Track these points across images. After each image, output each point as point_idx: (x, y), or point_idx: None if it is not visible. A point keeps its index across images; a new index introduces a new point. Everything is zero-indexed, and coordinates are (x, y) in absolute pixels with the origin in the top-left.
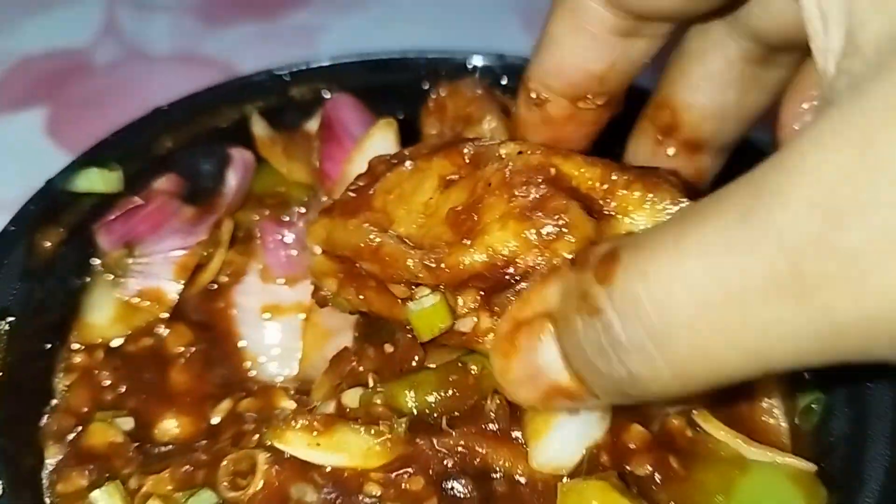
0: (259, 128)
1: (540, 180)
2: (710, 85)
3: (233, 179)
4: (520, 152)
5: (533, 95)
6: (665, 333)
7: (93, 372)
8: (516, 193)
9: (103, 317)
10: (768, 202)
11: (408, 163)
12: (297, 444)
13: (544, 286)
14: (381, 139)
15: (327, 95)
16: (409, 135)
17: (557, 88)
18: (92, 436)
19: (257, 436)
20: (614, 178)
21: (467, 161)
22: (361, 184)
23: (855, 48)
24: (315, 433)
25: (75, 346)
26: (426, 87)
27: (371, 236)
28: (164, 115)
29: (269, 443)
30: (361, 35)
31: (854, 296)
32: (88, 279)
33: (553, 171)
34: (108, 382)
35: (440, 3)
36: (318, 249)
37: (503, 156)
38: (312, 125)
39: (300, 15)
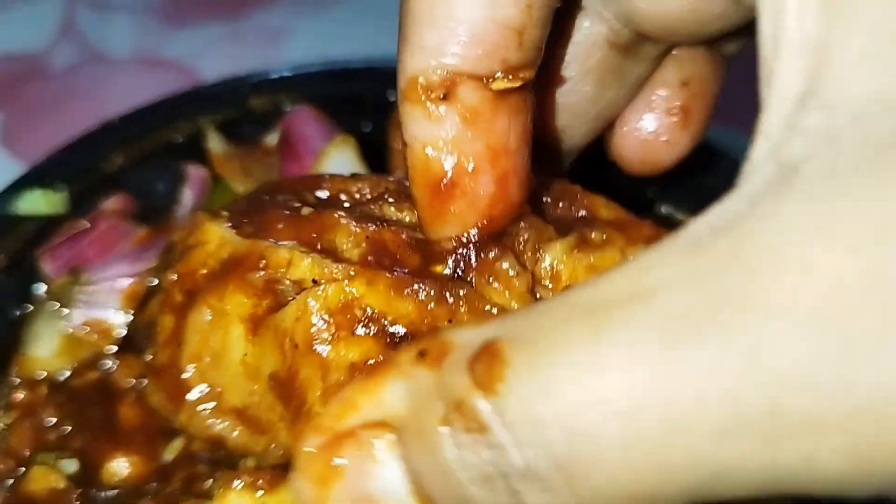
0: (215, 143)
1: (351, 330)
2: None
3: (188, 198)
4: (314, 281)
5: (432, 92)
6: (579, 464)
7: (35, 409)
8: (328, 358)
9: (47, 349)
10: (739, 308)
11: (205, 313)
12: None
13: (377, 385)
14: (340, 157)
15: (288, 108)
16: (376, 148)
17: (463, 64)
18: (33, 481)
19: (210, 481)
20: (432, 308)
21: (262, 292)
22: (164, 360)
23: (827, 103)
24: (260, 492)
25: (16, 381)
26: (393, 98)
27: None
28: (115, 129)
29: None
30: (329, 38)
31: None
32: (30, 308)
33: (361, 308)
34: (52, 421)
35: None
36: None
37: (297, 296)
38: (272, 139)
39: (266, 16)
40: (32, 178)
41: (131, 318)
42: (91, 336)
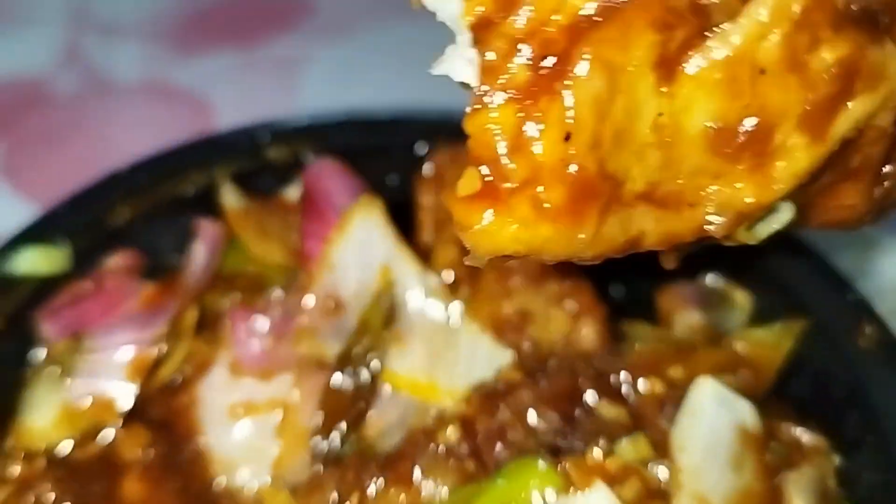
0: (230, 197)
1: (834, 26)
2: None
3: (199, 256)
4: None
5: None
6: None
7: (32, 484)
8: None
9: (45, 418)
10: None
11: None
12: None
13: None
14: (364, 221)
15: (309, 159)
16: (403, 203)
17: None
18: None
19: None
20: None
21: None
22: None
23: None
24: None
25: (12, 452)
26: (423, 150)
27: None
28: (122, 180)
29: None
30: (350, 69)
31: None
32: (29, 374)
33: None
34: (50, 497)
35: (439, 29)
36: None
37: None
38: (291, 193)
39: (282, 44)
40: (32, 234)
41: (138, 389)
42: (92, 408)
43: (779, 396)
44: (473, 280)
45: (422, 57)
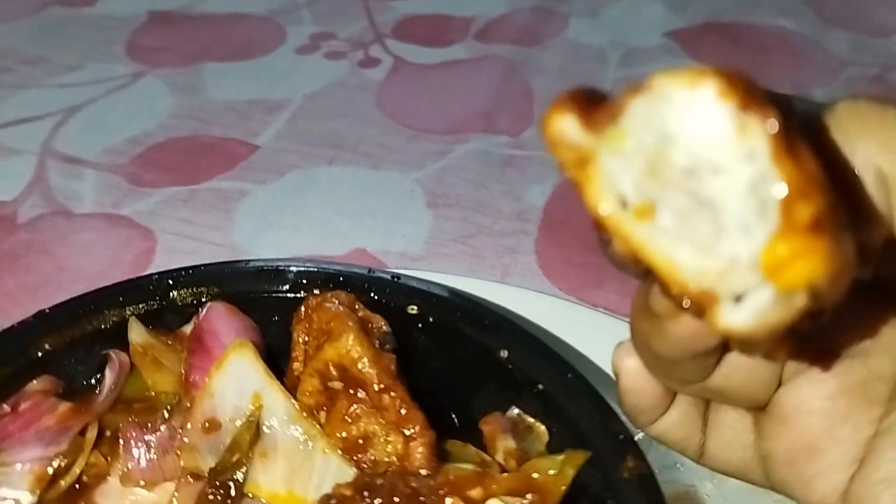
0: (135, 333)
1: None
2: None
3: (109, 380)
4: None
5: None
6: None
7: None
8: None
9: None
10: None
11: None
12: None
13: None
14: (238, 358)
15: (206, 299)
16: (284, 337)
17: None
18: None
19: None
20: None
21: None
22: None
23: None
24: None
25: None
26: (301, 294)
27: None
28: (46, 317)
29: None
30: (275, 203)
31: None
32: None
33: None
34: None
35: (351, 177)
36: None
37: None
38: (190, 328)
39: (221, 182)
40: None
41: (37, 498)
42: None
43: None
44: (329, 406)
45: (334, 198)
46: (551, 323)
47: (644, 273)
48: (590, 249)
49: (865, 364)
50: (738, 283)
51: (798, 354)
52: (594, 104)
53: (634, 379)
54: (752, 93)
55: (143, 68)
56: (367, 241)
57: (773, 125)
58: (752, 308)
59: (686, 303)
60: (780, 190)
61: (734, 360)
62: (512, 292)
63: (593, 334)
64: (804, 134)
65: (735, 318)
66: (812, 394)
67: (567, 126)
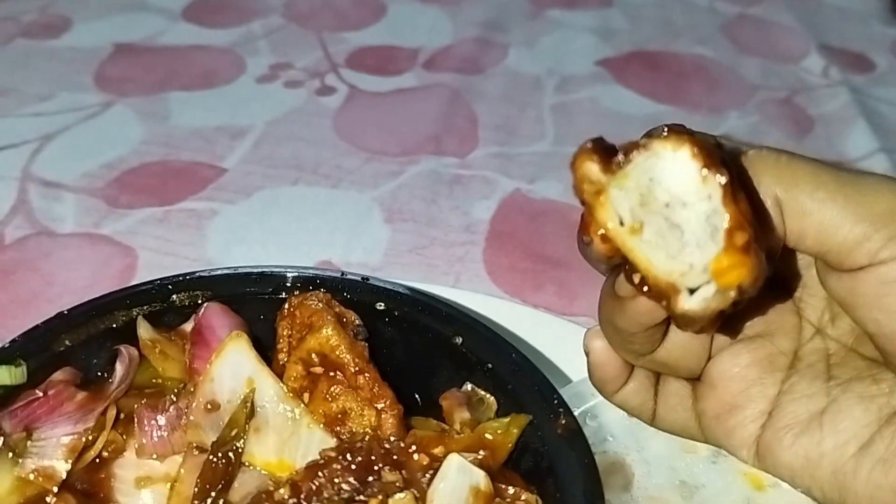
0: (143, 330)
1: None
2: None
3: (120, 372)
4: None
5: None
6: None
7: None
8: None
9: (1, 489)
10: None
11: None
12: None
13: None
14: (235, 347)
15: (202, 301)
16: (269, 333)
17: None
18: None
19: None
20: None
21: None
22: None
23: None
24: None
25: None
26: (283, 295)
27: None
28: (65, 318)
29: None
30: (244, 221)
31: None
32: None
33: None
34: None
35: (314, 196)
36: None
37: None
38: (189, 326)
39: (193, 203)
40: (0, 356)
41: (70, 466)
42: (38, 479)
43: (511, 467)
44: (312, 388)
45: (296, 217)
46: (498, 321)
47: (611, 268)
48: (531, 257)
49: (772, 342)
50: (693, 280)
51: (722, 330)
52: (608, 152)
53: (601, 355)
54: (712, 156)
55: (111, 97)
56: (330, 254)
57: (723, 180)
58: (700, 298)
59: (646, 288)
60: (725, 223)
61: (674, 338)
62: (463, 295)
63: (535, 329)
64: (739, 179)
65: (689, 304)
66: (732, 364)
67: (591, 167)
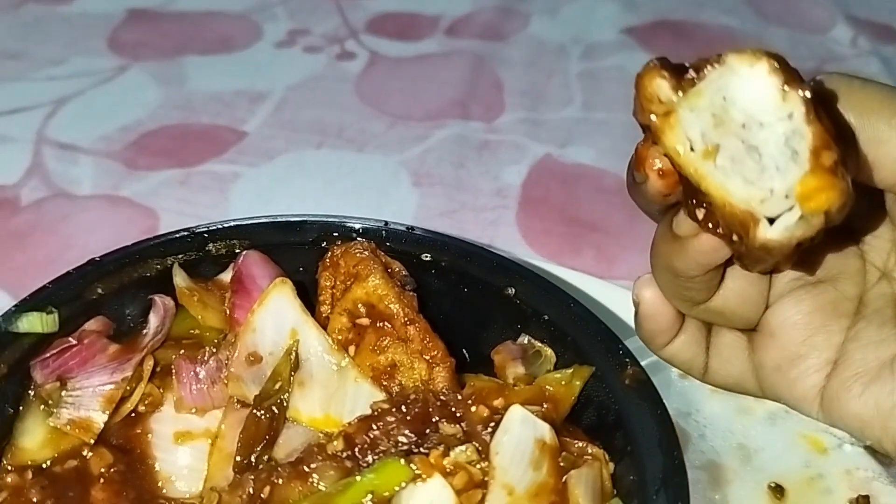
0: (180, 279)
1: None
2: None
3: (154, 322)
4: None
5: None
6: None
7: (22, 490)
8: None
9: (34, 442)
10: None
11: None
12: None
13: None
14: (278, 296)
15: (239, 251)
16: (309, 285)
17: None
18: None
19: None
20: None
21: None
22: None
23: None
24: None
25: (7, 467)
26: (324, 245)
27: None
28: (97, 265)
29: None
30: (266, 185)
31: None
32: (23, 408)
33: None
34: (36, 499)
35: (338, 160)
36: None
37: None
38: (226, 276)
39: (214, 165)
40: (31, 302)
41: (107, 417)
42: (74, 431)
43: (573, 421)
44: (358, 341)
45: (322, 180)
46: None
47: (666, 209)
48: (566, 221)
49: (835, 287)
50: (773, 207)
51: (799, 266)
52: (678, 70)
53: (651, 305)
54: (791, 72)
55: (126, 62)
56: None
57: (806, 96)
58: (783, 226)
59: (710, 225)
60: (811, 141)
61: (731, 284)
62: None
63: (575, 292)
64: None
65: (771, 233)
66: (794, 311)
67: (661, 84)
